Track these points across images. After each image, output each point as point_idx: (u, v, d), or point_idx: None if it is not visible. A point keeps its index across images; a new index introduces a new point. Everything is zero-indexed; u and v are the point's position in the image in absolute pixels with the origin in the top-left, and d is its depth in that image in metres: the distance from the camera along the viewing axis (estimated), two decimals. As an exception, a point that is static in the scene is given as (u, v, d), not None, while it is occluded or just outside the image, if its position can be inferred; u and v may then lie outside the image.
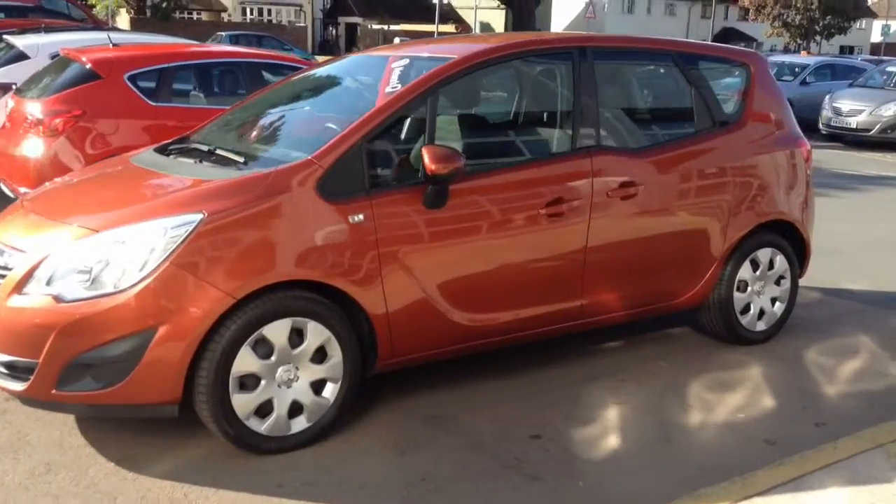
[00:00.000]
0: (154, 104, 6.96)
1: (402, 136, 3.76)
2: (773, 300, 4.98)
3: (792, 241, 4.98)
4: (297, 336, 3.42)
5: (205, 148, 3.99)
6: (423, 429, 3.74)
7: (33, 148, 6.70)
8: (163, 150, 4.20)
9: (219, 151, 3.88)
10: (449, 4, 58.74)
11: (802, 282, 6.02)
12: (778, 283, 4.97)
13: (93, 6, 38.50)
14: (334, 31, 57.47)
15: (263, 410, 3.42)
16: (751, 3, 54.22)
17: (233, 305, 3.23)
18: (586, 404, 4.05)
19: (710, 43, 5.18)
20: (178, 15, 49.32)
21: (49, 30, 10.25)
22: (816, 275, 6.26)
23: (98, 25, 18.52)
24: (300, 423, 3.50)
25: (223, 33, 34.21)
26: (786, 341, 5.01)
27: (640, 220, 4.28)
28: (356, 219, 3.48)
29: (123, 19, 38.11)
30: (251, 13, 54.77)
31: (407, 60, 4.16)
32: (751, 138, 4.72)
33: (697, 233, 4.52)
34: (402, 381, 4.07)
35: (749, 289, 4.84)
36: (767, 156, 4.79)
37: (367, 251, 3.50)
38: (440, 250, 3.72)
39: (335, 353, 3.51)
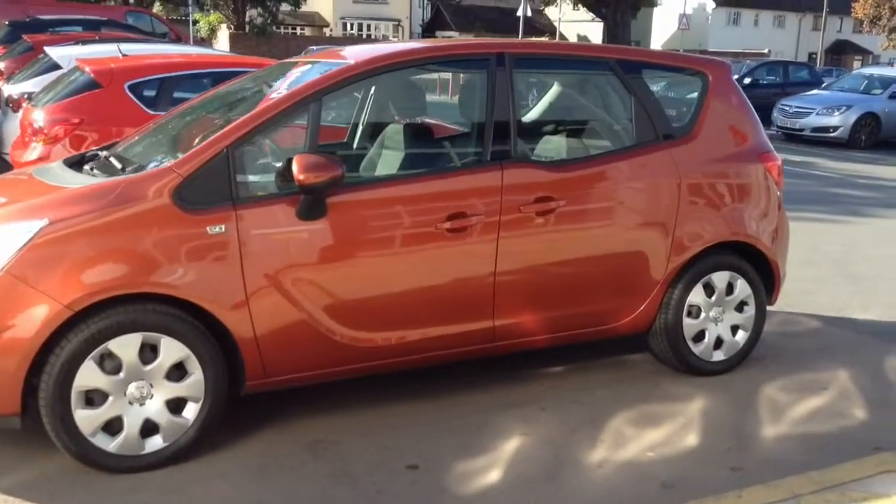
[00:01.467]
0: (153, 112, 7.01)
1: (281, 143, 3.58)
2: (735, 328, 4.56)
3: (757, 264, 4.55)
4: (150, 352, 3.29)
5: (103, 154, 3.93)
6: (298, 453, 3.55)
7: (35, 154, 6.87)
8: (79, 158, 4.16)
9: (111, 159, 3.81)
10: (547, 18, 58.41)
11: (802, 308, 5.65)
12: (740, 309, 4.56)
13: (196, 21, 40.00)
14: (431, 45, 57.85)
15: (113, 428, 3.29)
16: (864, 14, 51.65)
17: (72, 317, 3.12)
18: (488, 434, 3.77)
19: (660, 50, 4.82)
20: (280, 30, 50.79)
21: (87, 42, 10.57)
22: (825, 301, 5.82)
23: (179, 39, 19.17)
24: (155, 443, 3.36)
25: (314, 47, 34.90)
26: (749, 373, 4.58)
27: (561, 238, 3.98)
28: (216, 230, 3.32)
29: (224, 35, 39.34)
30: (351, 28, 55.77)
31: (309, 66, 4.00)
32: (703, 152, 4.34)
33: (633, 253, 4.17)
34: (308, 398, 3.90)
35: (703, 315, 4.44)
36: (723, 171, 4.40)
37: (228, 264, 3.34)
38: (319, 266, 3.52)
39: (195, 371, 3.36)
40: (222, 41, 38.98)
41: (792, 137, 17.62)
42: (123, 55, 7.91)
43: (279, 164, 3.50)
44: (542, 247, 3.94)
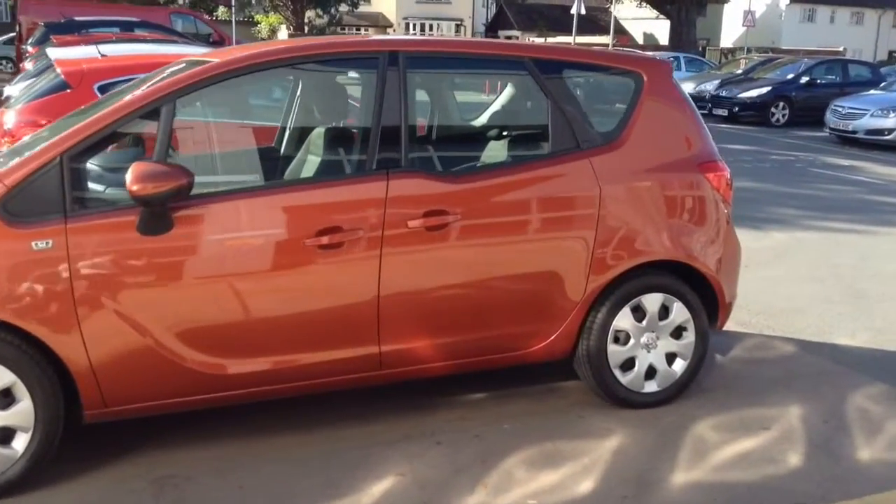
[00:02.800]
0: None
1: (129, 150, 3.29)
2: (672, 357, 4.10)
3: (698, 286, 4.09)
4: (-29, 377, 3.03)
5: None
6: (143, 489, 3.26)
7: (3, 158, 6.76)
8: None
9: None
10: (611, 15, 57.35)
11: (785, 330, 5.18)
12: (677, 335, 4.10)
13: (257, 23, 40.48)
14: (493, 45, 57.42)
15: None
16: (948, 8, 49.26)
17: None
18: (360, 472, 3.42)
19: (588, 48, 4.34)
20: (344, 31, 51.08)
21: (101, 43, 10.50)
22: (812, 323, 5.34)
23: (222, 41, 19.21)
24: (-21, 475, 3.10)
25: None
26: (687, 406, 4.13)
27: (458, 256, 3.60)
28: (41, 245, 3.05)
29: (283, 36, 39.64)
30: (413, 28, 55.72)
31: (182, 65, 3.69)
32: (630, 161, 3.90)
33: (544, 272, 3.76)
34: (166, 429, 3.62)
35: (632, 341, 4.00)
36: (654, 183, 3.94)
37: (56, 284, 3.06)
38: (166, 286, 3.22)
39: (23, 399, 3.10)
40: (281, 42, 39.26)
41: (845, 140, 16.71)
42: (103, 55, 7.75)
43: (118, 174, 3.20)
44: (434, 265, 3.56)
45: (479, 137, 4.00)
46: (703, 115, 15.48)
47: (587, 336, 3.92)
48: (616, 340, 3.98)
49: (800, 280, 6.62)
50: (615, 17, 56.80)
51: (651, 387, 4.08)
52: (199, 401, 3.38)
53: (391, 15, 56.56)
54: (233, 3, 22.28)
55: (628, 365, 4.03)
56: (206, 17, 24.43)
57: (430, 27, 55.56)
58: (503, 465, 3.51)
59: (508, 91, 4.15)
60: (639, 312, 3.99)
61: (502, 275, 3.70)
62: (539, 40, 51.05)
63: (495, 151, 3.91)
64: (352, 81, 4.01)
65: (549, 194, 3.74)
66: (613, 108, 4.02)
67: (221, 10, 43.30)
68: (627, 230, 3.87)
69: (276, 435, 3.71)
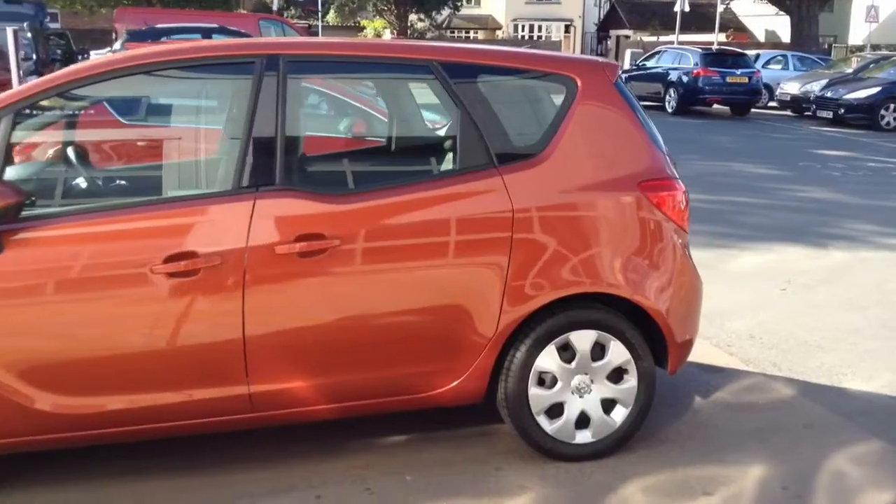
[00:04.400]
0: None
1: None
2: (611, 403, 3.58)
3: (643, 323, 3.55)
4: None
5: None
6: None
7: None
8: None
9: None
10: (732, 12, 55.13)
11: (794, 368, 4.60)
12: (616, 379, 3.57)
13: (363, 28, 40.98)
14: (601, 46, 56.25)
15: None
16: None
17: None
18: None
19: (511, 50, 3.82)
20: (453, 33, 51.17)
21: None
22: (829, 361, 4.69)
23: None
24: None
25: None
26: (627, 461, 3.60)
27: (338, 285, 3.19)
28: None
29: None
30: (522, 30, 55.18)
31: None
32: (554, 179, 3.40)
33: (446, 305, 3.32)
34: (38, 466, 3.37)
35: (559, 384, 3.50)
36: (582, 203, 3.43)
37: None
38: None
39: None
40: (385, 46, 39.60)
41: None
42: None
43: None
44: (310, 297, 3.17)
45: (375, 151, 3.56)
46: (806, 117, 14.72)
47: (506, 377, 3.45)
48: (541, 383, 3.49)
49: (838, 308, 5.87)
50: (735, 14, 54.68)
51: (584, 437, 3.57)
52: (38, 441, 3.09)
53: (500, 17, 56.18)
54: (319, 8, 22.38)
55: (555, 411, 3.53)
56: (296, 22, 24.70)
57: (539, 28, 54.83)
58: (377, 527, 3.07)
59: (412, 99, 3.71)
60: (568, 352, 3.49)
61: (395, 307, 3.27)
62: (651, 39, 49.63)
63: (392, 167, 3.48)
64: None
65: (452, 216, 3.29)
66: (540, 119, 3.53)
67: (331, 16, 44.11)
68: (548, 257, 3.37)
69: (156, 477, 3.39)
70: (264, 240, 3.07)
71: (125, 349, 3.06)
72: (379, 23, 39.97)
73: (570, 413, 3.53)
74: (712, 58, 20.70)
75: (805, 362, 4.82)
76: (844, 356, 4.92)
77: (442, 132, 3.47)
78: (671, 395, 4.30)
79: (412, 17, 39.45)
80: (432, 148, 3.58)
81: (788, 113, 22.20)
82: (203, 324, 3.09)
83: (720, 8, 28.82)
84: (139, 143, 3.54)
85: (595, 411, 3.55)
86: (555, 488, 3.37)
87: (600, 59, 3.69)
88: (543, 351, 3.44)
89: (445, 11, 40.63)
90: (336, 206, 3.18)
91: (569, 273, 3.40)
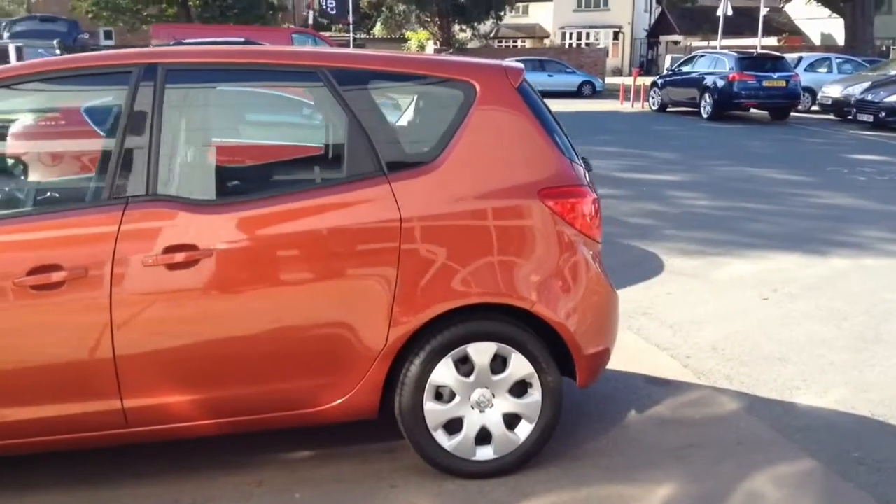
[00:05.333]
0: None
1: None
2: (515, 418, 3.44)
3: (547, 335, 3.42)
4: None
5: None
6: None
7: None
8: None
9: None
10: (786, 16, 54.01)
11: (749, 382, 4.41)
12: (519, 393, 3.43)
13: (406, 40, 41.20)
14: (651, 52, 55.59)
15: None
16: None
17: None
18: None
19: (407, 55, 3.71)
20: (501, 43, 51.14)
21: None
22: (787, 374, 4.54)
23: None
24: None
25: (513, 59, 34.53)
26: (528, 481, 3.45)
27: (212, 299, 3.12)
28: None
29: (430, 52, 40.06)
30: (570, 37, 54.84)
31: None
32: (446, 187, 3.28)
33: (329, 317, 3.22)
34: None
35: (457, 398, 3.37)
36: (474, 212, 3.30)
37: None
38: None
39: None
40: (428, 56, 39.73)
41: None
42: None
43: None
44: (182, 310, 3.10)
45: (262, 160, 3.48)
46: (848, 121, 14.25)
47: (400, 391, 3.33)
48: (438, 397, 3.37)
49: (816, 318, 5.61)
50: (790, 18, 53.53)
51: (485, 453, 3.43)
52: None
53: (548, 25, 55.98)
54: (350, 22, 22.50)
55: (454, 427, 3.40)
56: (329, 36, 24.89)
57: (587, 35, 54.41)
58: (246, 545, 2.99)
59: (299, 107, 3.63)
60: (467, 364, 3.36)
61: (274, 320, 3.18)
62: (701, 44, 48.85)
63: (276, 176, 3.39)
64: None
65: (336, 226, 3.19)
66: (436, 125, 3.41)
67: (378, 28, 44.43)
68: (438, 267, 3.25)
69: (40, 490, 3.36)
70: (131, 252, 3.02)
71: None
72: (423, 34, 40.09)
73: (470, 428, 3.40)
74: (748, 62, 20.23)
75: (761, 375, 4.60)
76: (805, 369, 4.69)
77: (330, 140, 3.38)
78: (604, 408, 4.15)
79: (455, 27, 39.46)
80: (319, 156, 3.48)
81: (831, 117, 21.57)
82: (70, 337, 3.04)
83: (763, 11, 28.13)
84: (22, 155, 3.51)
85: (497, 427, 3.41)
86: (446, 507, 3.24)
87: (504, 63, 3.56)
88: (439, 364, 3.32)
89: (489, 22, 40.54)
90: (210, 216, 3.11)
91: (460, 284, 3.27)
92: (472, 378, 3.36)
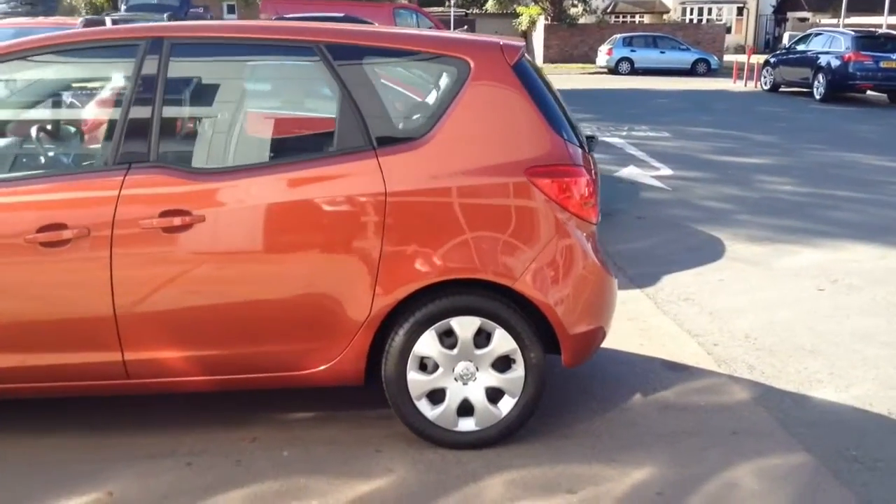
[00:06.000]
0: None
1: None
2: (498, 392, 3.51)
3: (534, 314, 3.46)
4: None
5: None
6: None
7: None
8: None
9: None
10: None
11: (764, 373, 4.36)
12: (503, 368, 3.49)
13: (518, 15, 40.87)
14: (778, 29, 53.22)
15: None
16: None
17: None
18: (67, 486, 3.24)
19: (406, 31, 3.75)
20: (615, 19, 50.07)
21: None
22: (809, 367, 4.44)
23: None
24: None
25: (618, 35, 33.85)
26: (508, 454, 3.51)
27: (206, 261, 3.30)
28: None
29: (541, 27, 39.60)
30: (691, 13, 53.11)
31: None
32: (433, 163, 3.35)
33: (315, 286, 3.34)
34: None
35: (440, 370, 3.46)
36: (462, 187, 3.35)
37: None
38: None
39: None
40: (540, 33, 39.35)
41: None
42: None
43: None
44: (177, 271, 3.30)
45: (257, 132, 3.62)
46: None
47: (385, 360, 3.45)
48: (422, 368, 3.46)
49: (867, 312, 5.41)
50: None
51: (468, 425, 3.51)
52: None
53: (668, 0, 54.32)
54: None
55: (437, 397, 3.49)
56: (429, 11, 24.95)
57: (710, 11, 52.54)
58: (223, 497, 3.17)
59: (296, 80, 3.74)
60: (451, 338, 3.43)
61: (263, 285, 3.34)
62: (831, 21, 46.47)
63: (270, 147, 3.52)
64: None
65: (324, 197, 3.31)
66: (428, 101, 3.48)
67: (490, 4, 44.24)
68: (422, 241, 3.33)
69: (46, 434, 3.64)
70: (130, 214, 3.22)
71: (2, 312, 3.28)
72: (534, 9, 39.66)
73: (452, 400, 3.48)
74: (866, 41, 19.18)
75: (785, 367, 4.48)
76: (835, 362, 4.53)
77: (323, 114, 3.49)
78: (611, 390, 4.14)
79: (567, 2, 38.86)
80: (312, 129, 3.60)
81: (961, 102, 20.24)
82: (74, 291, 3.28)
83: None
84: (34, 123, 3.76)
85: (479, 400, 3.48)
86: (418, 474, 3.34)
87: (501, 39, 3.58)
88: (423, 335, 3.41)
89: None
90: (204, 183, 3.28)
91: (444, 259, 3.34)
92: (455, 351, 3.43)
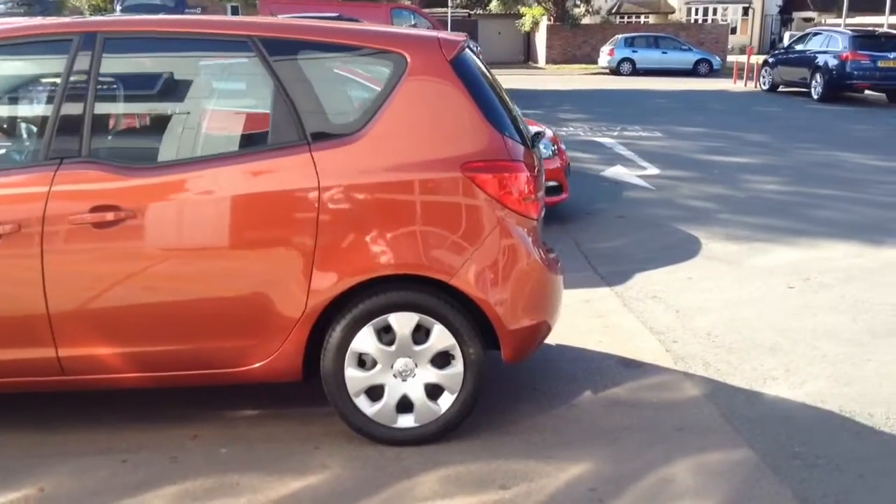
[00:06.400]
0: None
1: None
2: (435, 389, 3.49)
3: (474, 309, 3.43)
4: None
5: None
6: None
7: None
8: None
9: None
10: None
11: (718, 370, 4.32)
12: (441, 365, 3.47)
13: (521, 16, 40.86)
14: (784, 30, 53.00)
15: None
16: None
17: None
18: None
19: (342, 26, 3.73)
20: (620, 19, 49.99)
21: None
22: (764, 364, 4.40)
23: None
24: None
25: (620, 36, 33.79)
26: (445, 450, 3.49)
27: (137, 257, 3.29)
28: None
29: (543, 28, 39.55)
30: (696, 13, 53.00)
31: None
32: (367, 158, 3.33)
33: (248, 282, 3.33)
34: None
35: (378, 366, 3.45)
36: (399, 184, 3.34)
37: None
38: None
39: None
40: (542, 33, 39.32)
41: None
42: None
43: None
44: (109, 267, 3.29)
45: (189, 127, 3.61)
46: None
47: (323, 357, 3.43)
48: (361, 365, 3.44)
49: (835, 310, 5.37)
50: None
51: (406, 421, 3.49)
52: None
53: (674, 1, 54.20)
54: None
55: (376, 394, 3.47)
56: (428, 12, 24.94)
57: (714, 11, 52.41)
58: (154, 494, 3.16)
59: (230, 75, 3.73)
60: (390, 334, 3.42)
61: (196, 282, 3.33)
62: (836, 21, 46.28)
63: (203, 143, 3.51)
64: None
65: (256, 192, 3.30)
66: (364, 96, 3.46)
67: (494, 5, 44.24)
68: (356, 237, 3.32)
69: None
70: (61, 210, 3.22)
71: None
72: (537, 10, 39.61)
73: (391, 396, 3.46)
74: (863, 40, 19.08)
75: (742, 364, 4.45)
76: (793, 359, 4.50)
77: (258, 108, 3.48)
78: (562, 387, 4.12)
79: (569, 2, 38.81)
80: (246, 124, 3.58)
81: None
82: (7, 288, 3.27)
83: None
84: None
85: (418, 396, 3.46)
86: (353, 470, 3.32)
87: (441, 34, 3.56)
88: (360, 332, 3.39)
89: (608, -2, 39.68)
90: (136, 179, 3.27)
91: (379, 254, 3.32)
92: (393, 347, 3.41)
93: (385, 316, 3.39)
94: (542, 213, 3.72)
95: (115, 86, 3.42)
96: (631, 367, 4.40)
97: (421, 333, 3.42)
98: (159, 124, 3.59)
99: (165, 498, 3.12)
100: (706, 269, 6.33)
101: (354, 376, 3.43)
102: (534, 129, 7.78)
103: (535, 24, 39.77)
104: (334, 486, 3.21)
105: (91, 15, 28.03)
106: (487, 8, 45.19)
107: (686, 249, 6.90)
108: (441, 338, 3.41)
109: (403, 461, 3.39)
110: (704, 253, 6.81)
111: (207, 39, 3.51)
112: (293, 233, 3.29)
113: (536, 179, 3.58)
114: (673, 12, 53.40)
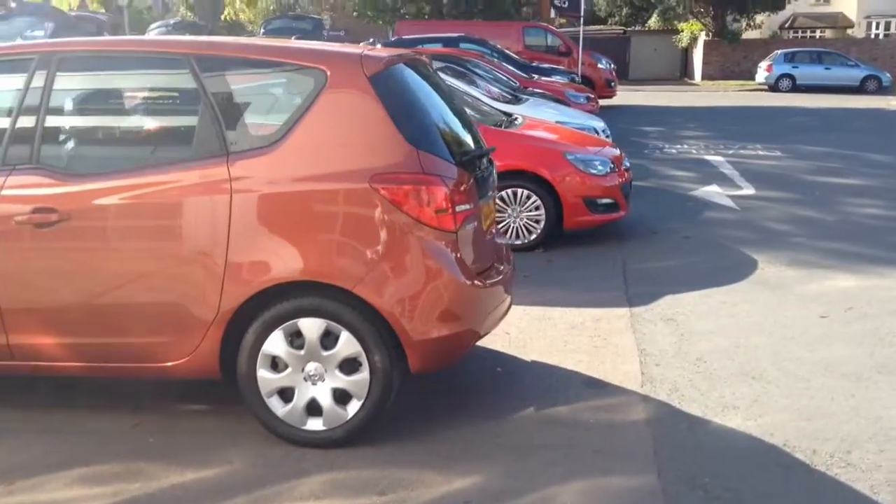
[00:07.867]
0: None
1: None
2: (344, 394, 3.60)
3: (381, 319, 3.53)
4: None
5: None
6: None
7: None
8: None
9: None
10: None
11: (682, 398, 4.17)
12: (349, 370, 3.57)
13: (678, 31, 39.84)
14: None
15: None
16: None
17: None
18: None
19: (270, 44, 3.85)
20: (793, 34, 47.80)
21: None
22: (732, 393, 4.26)
23: (569, 51, 19.62)
24: None
25: (779, 51, 32.31)
26: (347, 455, 3.57)
27: (69, 256, 3.61)
28: None
29: (701, 44, 38.38)
30: (877, 28, 49.83)
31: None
32: (279, 169, 3.47)
33: (166, 284, 3.56)
34: None
35: (288, 369, 3.60)
36: (308, 194, 3.47)
37: None
38: None
39: None
40: (700, 49, 38.22)
41: None
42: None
43: None
44: (46, 263, 3.63)
45: (126, 138, 3.89)
46: None
47: (239, 358, 3.62)
48: (274, 367, 3.60)
49: (854, 342, 5.03)
50: None
51: (316, 424, 3.61)
52: None
53: (852, 14, 51.14)
54: (581, 16, 22.12)
55: (287, 396, 3.62)
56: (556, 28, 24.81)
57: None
58: (63, 473, 3.43)
59: (167, 90, 3.96)
60: (300, 338, 3.56)
61: (121, 281, 3.59)
62: None
63: (136, 153, 3.76)
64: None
65: (175, 199, 3.53)
66: (285, 110, 3.63)
67: (653, 21, 43.42)
68: (265, 244, 3.48)
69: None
70: (8, 210, 3.58)
71: None
72: (696, 25, 38.52)
73: (300, 399, 3.59)
74: None
75: (711, 392, 4.26)
76: (769, 391, 4.26)
77: (188, 121, 3.71)
78: (507, 401, 4.12)
79: (728, 17, 37.48)
80: (175, 136, 3.82)
81: None
82: None
83: None
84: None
85: (326, 400, 3.57)
86: (251, 468, 3.47)
87: (363, 51, 3.68)
88: (272, 335, 3.55)
89: (768, 13, 37.98)
90: (73, 185, 3.59)
91: (286, 261, 3.47)
92: (303, 351, 3.54)
93: (295, 321, 3.52)
94: (481, 226, 3.76)
95: (65, 100, 3.76)
96: (593, 388, 4.32)
97: (330, 339, 3.52)
98: (101, 135, 3.90)
99: (71, 478, 3.38)
100: (747, 293, 6.04)
101: (266, 377, 3.58)
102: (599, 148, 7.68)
103: (694, 39, 38.66)
104: (225, 480, 3.37)
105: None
106: (647, 24, 44.36)
107: (736, 273, 6.60)
108: (347, 345, 3.50)
109: (304, 462, 3.50)
110: (755, 277, 6.49)
111: (151, 58, 3.80)
112: (208, 239, 3.49)
113: (463, 193, 3.62)
114: (851, 26, 50.42)
